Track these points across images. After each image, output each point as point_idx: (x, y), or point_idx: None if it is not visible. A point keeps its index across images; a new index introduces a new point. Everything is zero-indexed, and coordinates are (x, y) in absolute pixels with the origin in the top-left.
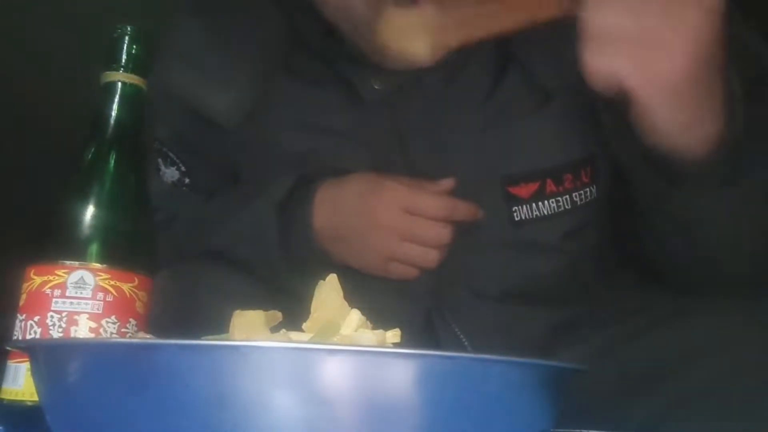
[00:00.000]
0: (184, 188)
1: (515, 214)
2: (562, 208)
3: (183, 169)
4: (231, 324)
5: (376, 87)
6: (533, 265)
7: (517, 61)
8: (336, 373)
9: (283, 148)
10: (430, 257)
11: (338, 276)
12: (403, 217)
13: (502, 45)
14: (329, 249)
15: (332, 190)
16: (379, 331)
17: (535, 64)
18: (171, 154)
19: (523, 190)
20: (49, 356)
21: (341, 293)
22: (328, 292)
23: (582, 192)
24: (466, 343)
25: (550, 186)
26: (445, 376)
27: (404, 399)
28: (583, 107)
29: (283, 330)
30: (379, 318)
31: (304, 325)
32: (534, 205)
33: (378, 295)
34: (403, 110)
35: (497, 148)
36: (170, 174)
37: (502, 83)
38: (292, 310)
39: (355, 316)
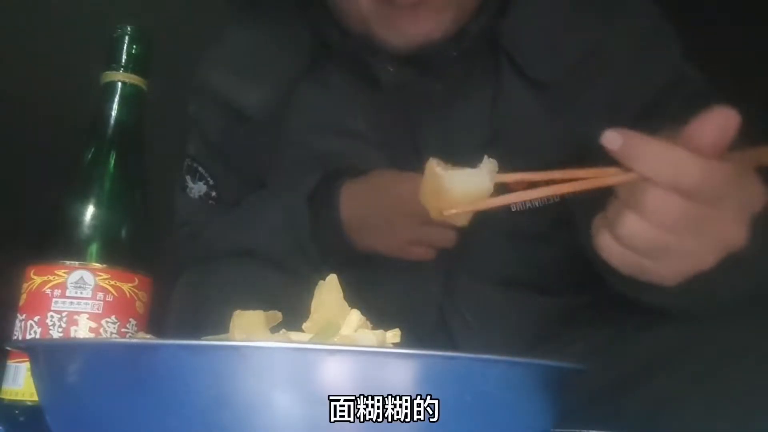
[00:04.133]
0: (211, 201)
1: (512, 205)
2: (552, 200)
3: (211, 182)
4: (231, 324)
5: (391, 69)
6: (529, 253)
7: (509, 57)
8: (336, 373)
9: (307, 150)
10: (448, 237)
11: (356, 274)
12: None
13: (494, 42)
14: (355, 238)
15: (356, 185)
16: (379, 331)
17: (526, 58)
18: (201, 169)
19: (519, 184)
20: (49, 356)
21: (341, 293)
22: (328, 292)
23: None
24: (473, 325)
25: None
26: (445, 376)
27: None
28: (572, 111)
29: (283, 330)
30: (395, 310)
31: (304, 325)
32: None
33: (393, 288)
34: (415, 114)
35: (498, 149)
36: (197, 189)
37: (502, 87)
38: (293, 310)
39: (355, 316)
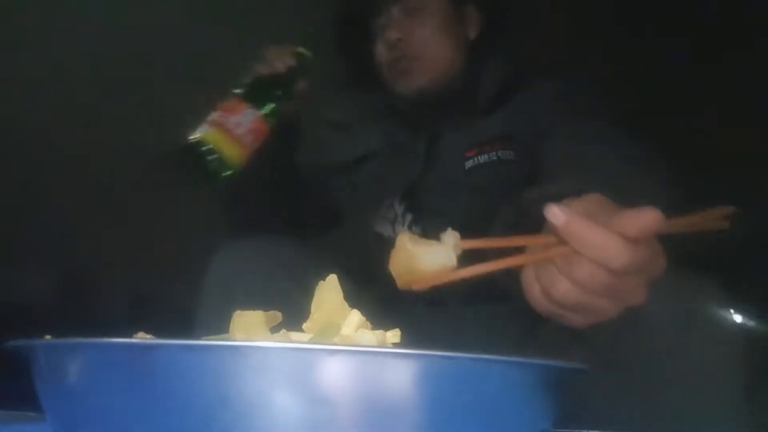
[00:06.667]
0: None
1: (466, 165)
2: (492, 159)
3: None
4: (231, 324)
5: (406, 105)
6: (476, 202)
7: (478, 97)
8: (336, 373)
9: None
10: None
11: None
12: None
13: (472, 88)
14: None
15: None
16: (379, 332)
17: (487, 99)
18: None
19: (471, 152)
20: (49, 356)
21: (341, 293)
22: (328, 292)
23: (503, 152)
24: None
25: (486, 148)
26: (445, 376)
27: (404, 399)
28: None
29: (283, 330)
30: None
31: (304, 325)
32: (476, 158)
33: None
34: (419, 131)
35: (465, 138)
36: None
37: (474, 116)
38: (294, 311)
39: (355, 316)
